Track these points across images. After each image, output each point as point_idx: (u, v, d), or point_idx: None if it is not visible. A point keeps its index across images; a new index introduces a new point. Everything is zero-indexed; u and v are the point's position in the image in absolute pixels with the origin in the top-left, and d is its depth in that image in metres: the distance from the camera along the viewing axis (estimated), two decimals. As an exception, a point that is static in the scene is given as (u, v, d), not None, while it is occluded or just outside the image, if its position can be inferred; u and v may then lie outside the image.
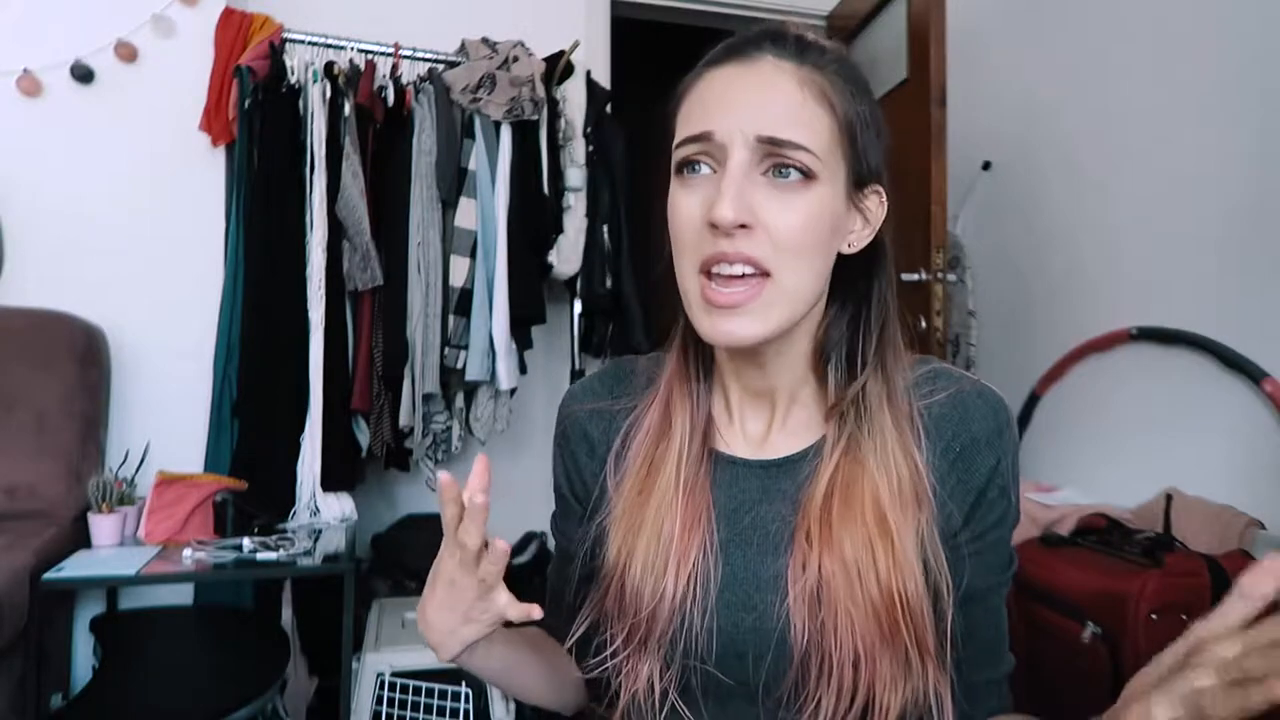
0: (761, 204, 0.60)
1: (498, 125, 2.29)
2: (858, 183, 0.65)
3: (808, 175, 0.61)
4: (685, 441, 0.70)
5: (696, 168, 0.62)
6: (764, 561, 0.66)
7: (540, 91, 2.32)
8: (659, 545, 0.66)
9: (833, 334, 0.70)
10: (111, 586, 1.97)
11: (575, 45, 2.41)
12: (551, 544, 0.85)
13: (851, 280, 0.69)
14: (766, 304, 0.61)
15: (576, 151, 2.42)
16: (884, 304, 0.69)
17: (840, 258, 0.67)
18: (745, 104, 0.61)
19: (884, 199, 0.67)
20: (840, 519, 0.64)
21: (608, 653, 0.68)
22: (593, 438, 0.76)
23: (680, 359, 0.73)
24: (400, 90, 2.27)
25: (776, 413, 0.71)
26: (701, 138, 0.61)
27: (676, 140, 0.64)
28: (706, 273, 0.62)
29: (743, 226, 0.59)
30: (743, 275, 0.61)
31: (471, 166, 2.25)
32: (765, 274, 0.61)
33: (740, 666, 0.65)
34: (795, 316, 0.64)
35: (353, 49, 2.29)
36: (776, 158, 0.60)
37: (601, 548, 0.70)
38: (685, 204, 0.63)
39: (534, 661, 0.75)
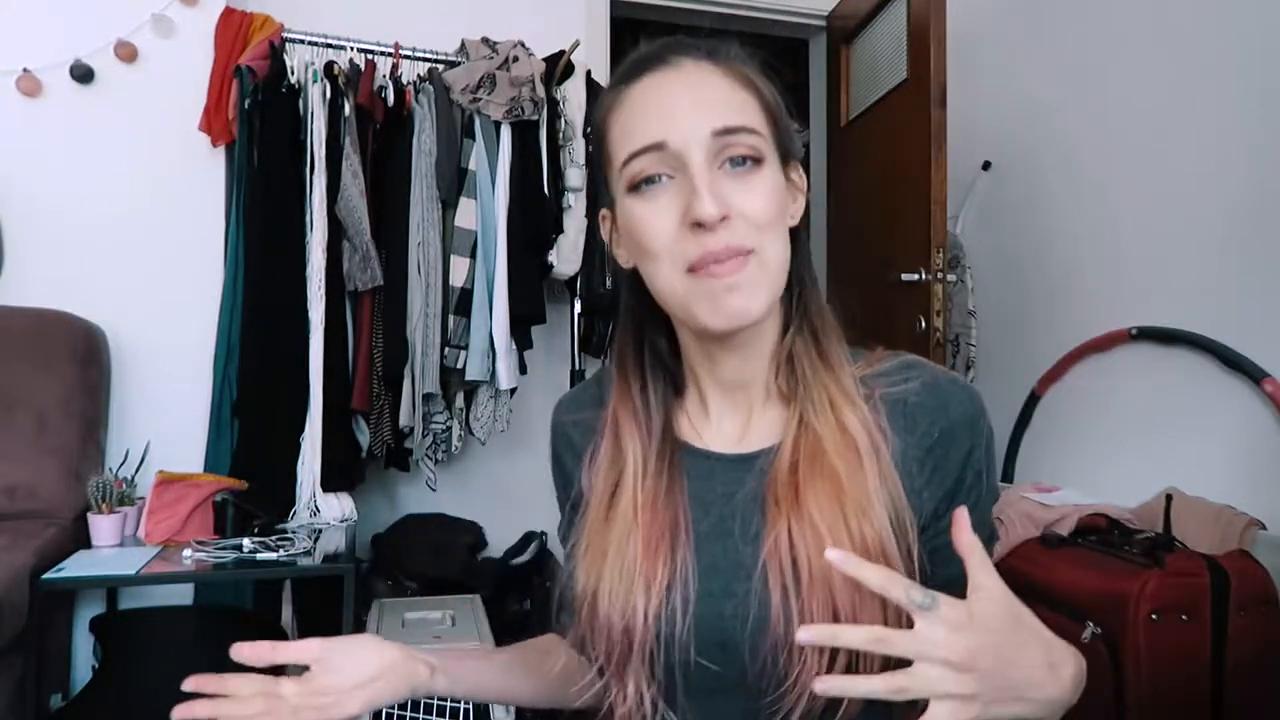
0: (730, 194, 0.63)
1: (498, 125, 2.28)
2: (784, 159, 0.69)
3: (758, 160, 0.65)
4: (639, 463, 0.71)
5: (656, 180, 0.65)
6: (743, 545, 0.68)
7: (540, 91, 2.32)
8: (623, 568, 0.68)
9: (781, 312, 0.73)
10: (111, 586, 1.97)
11: (575, 45, 2.41)
12: (551, 543, 0.85)
13: None
14: (756, 278, 0.64)
15: (576, 151, 2.42)
16: (799, 270, 0.71)
17: None
18: (688, 104, 0.64)
19: (801, 173, 0.72)
20: (805, 480, 0.66)
21: (594, 671, 0.70)
22: (578, 446, 0.79)
23: (621, 381, 0.75)
24: (400, 90, 2.27)
25: (753, 408, 0.73)
26: (654, 148, 0.64)
27: (623, 158, 0.65)
28: (691, 271, 0.64)
29: (723, 219, 0.62)
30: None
31: (471, 166, 2.25)
32: (750, 251, 0.63)
33: (724, 656, 0.66)
34: (779, 290, 0.67)
35: (353, 49, 2.28)
36: (730, 149, 0.63)
37: (573, 577, 0.72)
38: (652, 214, 0.65)
39: (519, 686, 0.77)
